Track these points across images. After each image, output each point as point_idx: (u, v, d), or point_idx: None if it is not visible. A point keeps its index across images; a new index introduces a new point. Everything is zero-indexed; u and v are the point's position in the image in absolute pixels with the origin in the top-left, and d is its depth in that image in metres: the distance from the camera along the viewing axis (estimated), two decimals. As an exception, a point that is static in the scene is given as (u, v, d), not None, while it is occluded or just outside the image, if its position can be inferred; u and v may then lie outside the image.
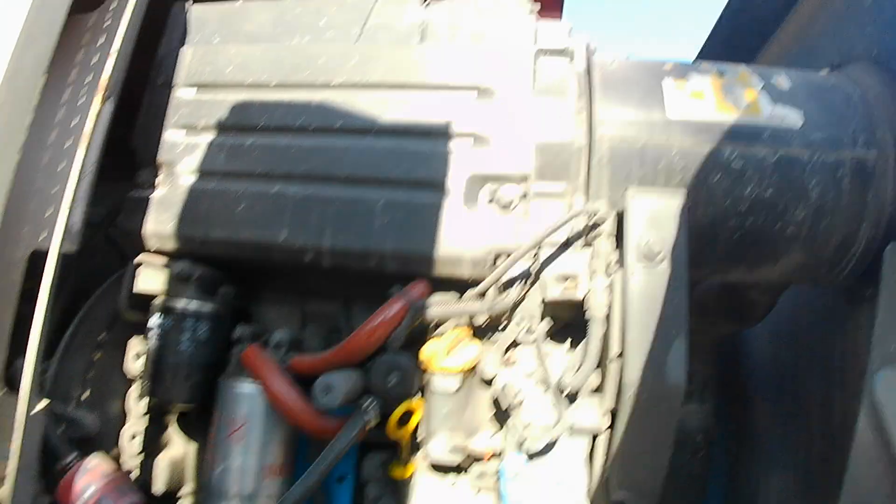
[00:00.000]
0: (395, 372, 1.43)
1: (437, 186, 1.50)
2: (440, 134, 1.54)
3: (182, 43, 1.76)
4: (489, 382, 1.46)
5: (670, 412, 1.33)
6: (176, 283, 1.57)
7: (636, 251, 1.37)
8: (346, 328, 1.62)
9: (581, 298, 1.40)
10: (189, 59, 1.72)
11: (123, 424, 1.69)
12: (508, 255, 1.44)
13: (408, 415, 1.46)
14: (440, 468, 1.48)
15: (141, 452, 1.66)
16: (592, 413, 1.40)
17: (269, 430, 1.49)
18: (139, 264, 1.61)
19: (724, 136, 1.48)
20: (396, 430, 1.45)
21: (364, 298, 1.63)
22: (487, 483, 1.44)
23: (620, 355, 1.35)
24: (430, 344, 1.45)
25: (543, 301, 1.46)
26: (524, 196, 1.50)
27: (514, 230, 1.46)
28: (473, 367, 1.46)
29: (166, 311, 1.58)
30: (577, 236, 1.44)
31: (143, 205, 1.64)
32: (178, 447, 1.72)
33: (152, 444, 1.69)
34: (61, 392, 1.65)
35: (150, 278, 1.60)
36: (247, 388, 1.49)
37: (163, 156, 1.66)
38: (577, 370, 1.37)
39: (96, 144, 1.51)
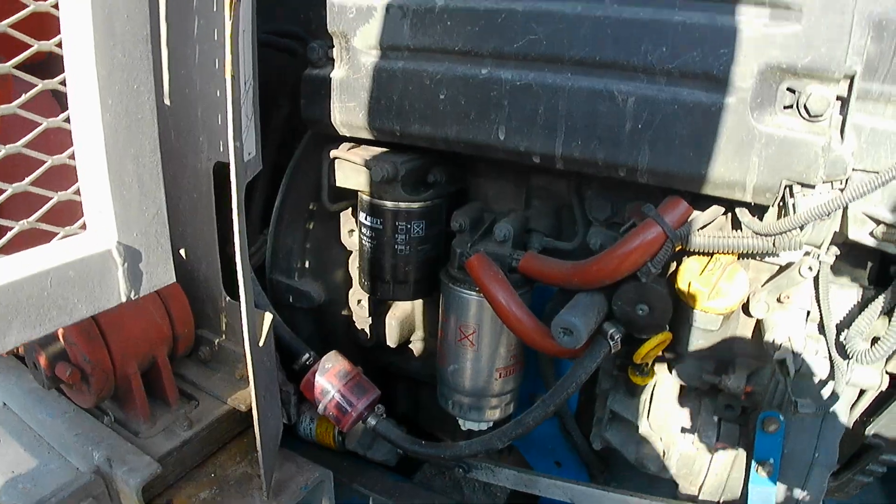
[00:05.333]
0: (645, 304, 1.25)
1: (714, 80, 1.06)
2: (722, -3, 1.02)
3: None
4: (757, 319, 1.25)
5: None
6: (380, 185, 1.38)
7: None
8: (579, 212, 1.40)
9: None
10: None
11: (349, 289, 1.72)
12: (804, 185, 1.07)
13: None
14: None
15: (370, 315, 1.71)
16: (873, 373, 1.18)
17: (499, 336, 1.44)
18: (335, 159, 1.42)
19: None
20: (642, 357, 1.34)
21: (600, 182, 1.36)
22: (732, 416, 1.35)
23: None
24: (690, 275, 1.22)
25: (838, 236, 1.13)
26: (841, 104, 1.03)
27: (819, 152, 1.04)
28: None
29: (375, 211, 1.43)
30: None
31: (324, 87, 1.36)
32: (405, 305, 1.74)
33: (380, 305, 1.73)
34: (281, 265, 1.68)
35: (351, 176, 1.42)
36: (475, 297, 1.40)
37: (333, 25, 1.30)
38: (875, 340, 1.12)
39: (245, 43, 1.21)
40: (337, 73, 1.34)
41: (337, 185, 1.45)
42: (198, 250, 1.50)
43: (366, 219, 1.45)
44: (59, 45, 0.95)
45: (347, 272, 1.71)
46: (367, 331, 1.72)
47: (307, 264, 1.68)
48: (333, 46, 1.35)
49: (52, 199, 0.97)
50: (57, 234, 0.99)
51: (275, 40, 1.51)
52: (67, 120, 0.98)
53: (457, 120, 1.24)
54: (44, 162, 0.96)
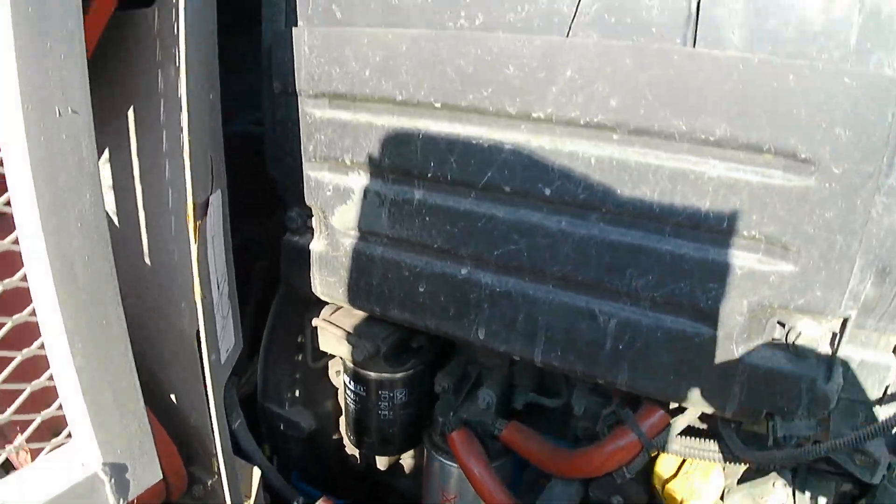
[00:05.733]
0: (621, 496, 1.24)
1: (700, 312, 1.01)
2: (713, 231, 0.96)
3: (293, 18, 1.15)
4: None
5: None
6: (362, 359, 1.36)
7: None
8: (562, 377, 1.37)
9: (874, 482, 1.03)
10: (308, 51, 1.14)
11: (339, 416, 1.71)
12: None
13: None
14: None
15: (360, 442, 1.71)
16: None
17: (480, 502, 1.43)
18: (317, 326, 1.40)
19: None
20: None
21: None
22: None
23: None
24: (666, 474, 1.20)
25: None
26: (832, 338, 0.98)
27: (804, 390, 1.00)
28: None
29: (358, 378, 1.41)
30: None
31: (303, 256, 1.33)
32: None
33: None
34: (273, 395, 1.68)
35: (332, 342, 1.40)
36: (457, 468, 1.39)
37: (310, 199, 1.26)
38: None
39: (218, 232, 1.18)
40: (316, 246, 1.31)
41: (320, 349, 1.44)
42: (186, 398, 1.50)
43: (349, 382, 1.44)
44: (24, 278, 0.95)
45: (337, 401, 1.70)
46: (358, 456, 1.72)
47: (297, 394, 1.68)
48: (312, 216, 1.31)
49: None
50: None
51: (256, 131, 1.44)
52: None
53: (436, 314, 1.21)
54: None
